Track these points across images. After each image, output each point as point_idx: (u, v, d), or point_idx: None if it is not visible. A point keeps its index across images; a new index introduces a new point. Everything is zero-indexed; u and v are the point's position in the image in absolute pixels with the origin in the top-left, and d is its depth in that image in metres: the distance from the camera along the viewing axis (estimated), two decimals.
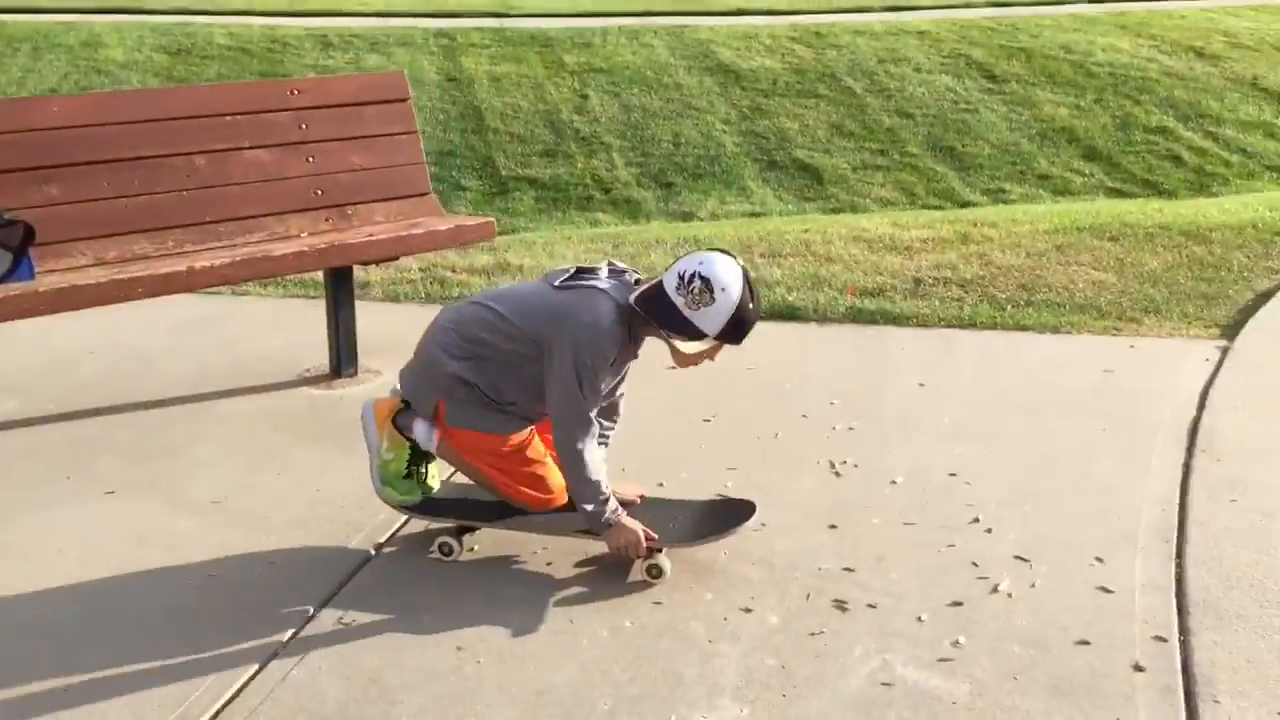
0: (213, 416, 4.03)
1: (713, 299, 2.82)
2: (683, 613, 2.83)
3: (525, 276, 5.56)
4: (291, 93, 4.17)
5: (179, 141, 3.91)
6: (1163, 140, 10.48)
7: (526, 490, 3.03)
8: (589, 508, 2.92)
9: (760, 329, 4.79)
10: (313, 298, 5.34)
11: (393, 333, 4.87)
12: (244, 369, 4.47)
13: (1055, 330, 4.71)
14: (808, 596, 2.88)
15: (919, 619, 2.77)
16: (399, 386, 3.13)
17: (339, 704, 2.50)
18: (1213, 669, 2.55)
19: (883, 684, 2.55)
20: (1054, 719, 2.42)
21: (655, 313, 2.87)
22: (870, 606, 2.83)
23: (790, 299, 5.11)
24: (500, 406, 2.97)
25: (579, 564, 3.05)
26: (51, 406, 4.13)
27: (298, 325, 4.97)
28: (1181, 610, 2.77)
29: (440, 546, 3.08)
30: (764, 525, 3.17)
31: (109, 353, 4.68)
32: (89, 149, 3.74)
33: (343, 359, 4.30)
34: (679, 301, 2.84)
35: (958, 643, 2.68)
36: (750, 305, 2.88)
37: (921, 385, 4.20)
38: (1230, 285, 5.14)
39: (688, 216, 9.50)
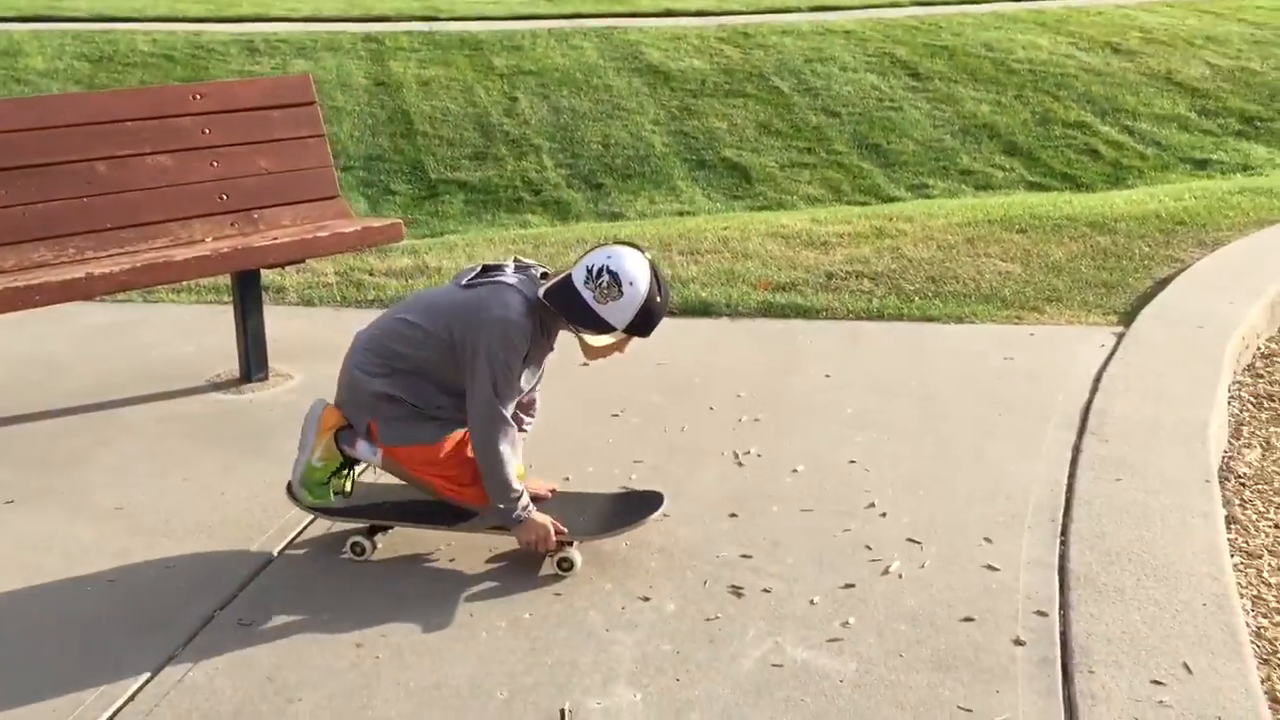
0: (118, 424, 4.01)
1: (620, 293, 2.85)
2: (582, 603, 2.87)
3: (443, 279, 5.57)
4: (194, 97, 4.15)
5: (78, 148, 3.88)
6: (1080, 135, 10.70)
7: (471, 489, 3.03)
8: (501, 505, 2.94)
9: (672, 325, 4.87)
10: (225, 303, 5.31)
11: (307, 337, 4.88)
12: (152, 375, 4.45)
13: (959, 320, 4.82)
14: (705, 583, 2.93)
15: (811, 601, 2.84)
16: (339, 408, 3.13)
17: (235, 704, 2.51)
18: (1089, 640, 2.64)
19: (773, 665, 2.61)
20: (937, 692, 2.50)
21: (563, 307, 2.90)
22: (765, 591, 2.89)
23: (704, 295, 5.17)
24: (430, 414, 2.98)
25: (484, 560, 3.08)
26: None
27: (210, 331, 4.95)
28: (1063, 586, 2.86)
29: (353, 546, 3.09)
30: (666, 515, 3.22)
31: (12, 363, 4.63)
32: None
33: (252, 364, 4.29)
34: (587, 295, 2.86)
35: (847, 623, 2.75)
36: (658, 298, 2.91)
37: (827, 376, 4.28)
38: (1131, 274, 5.28)
39: (617, 217, 9.55)
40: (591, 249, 2.95)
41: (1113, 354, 4.29)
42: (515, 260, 3.06)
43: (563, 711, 2.44)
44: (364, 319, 5.09)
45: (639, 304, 2.88)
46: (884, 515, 3.24)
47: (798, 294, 5.18)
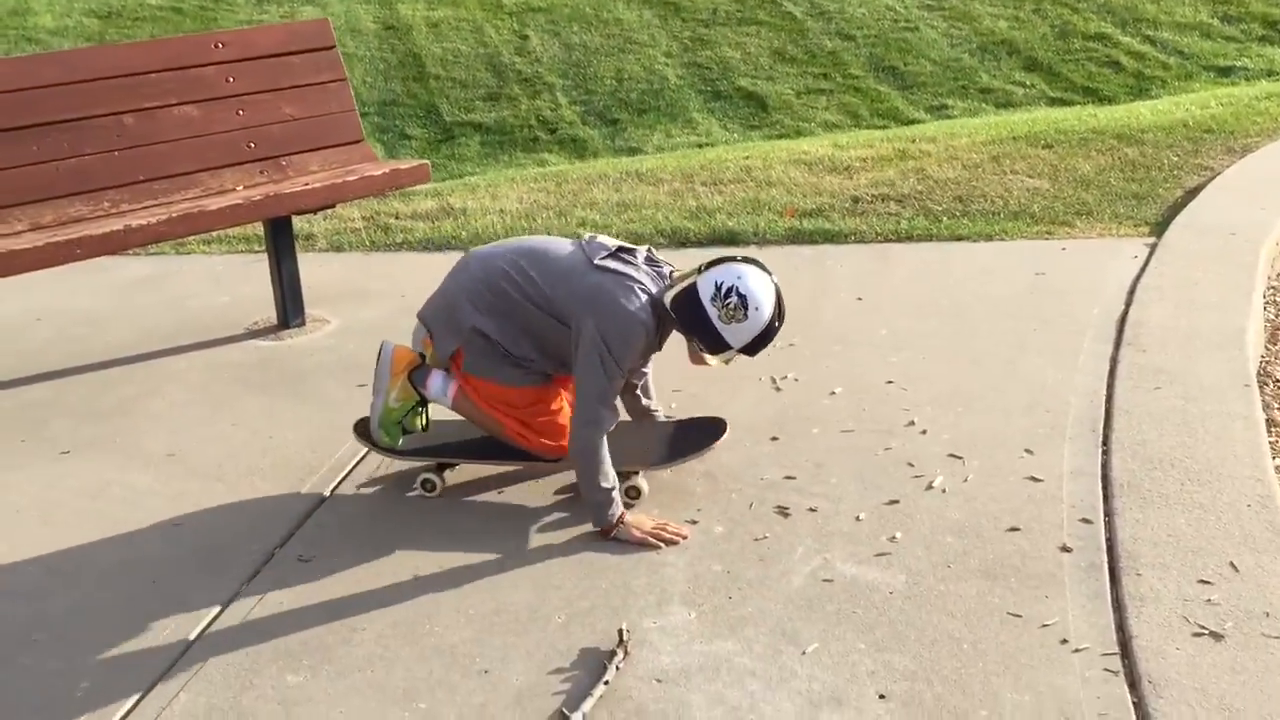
0: (164, 374, 4.07)
1: (746, 316, 2.79)
2: None
3: (468, 220, 5.59)
4: (215, 46, 4.15)
5: (104, 102, 3.90)
6: (1101, 47, 10.55)
7: (544, 440, 3.03)
8: (594, 509, 2.88)
9: (702, 254, 4.88)
10: (257, 252, 5.35)
11: (339, 282, 4.91)
12: (192, 326, 4.50)
13: (989, 238, 4.81)
14: (750, 505, 2.98)
15: (857, 518, 2.88)
16: (420, 321, 3.10)
17: (301, 637, 2.58)
18: (1135, 545, 2.67)
19: (824, 580, 2.66)
20: (986, 600, 2.54)
21: (686, 320, 2.83)
22: (811, 510, 2.94)
23: (731, 224, 5.17)
24: (517, 361, 2.98)
25: (534, 493, 3.14)
26: (0, 375, 4.15)
27: (244, 280, 4.99)
28: (1107, 494, 2.89)
29: (423, 483, 3.14)
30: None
31: (55, 318, 4.69)
32: (12, 114, 3.73)
33: (289, 310, 4.33)
34: (712, 312, 2.80)
35: (894, 538, 2.79)
36: (776, 324, 2.85)
37: (859, 299, 4.30)
38: (1160, 184, 5.24)
39: (634, 152, 9.51)
40: (719, 261, 2.85)
41: (1146, 265, 4.29)
42: (648, 251, 2.99)
43: (620, 631, 2.50)
44: (394, 261, 5.14)
45: (760, 329, 2.82)
46: (924, 432, 3.27)
47: (824, 219, 5.17)
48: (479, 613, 2.64)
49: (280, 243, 4.29)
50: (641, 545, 2.85)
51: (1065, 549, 2.69)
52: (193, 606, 2.71)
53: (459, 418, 3.28)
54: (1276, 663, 2.26)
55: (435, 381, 3.08)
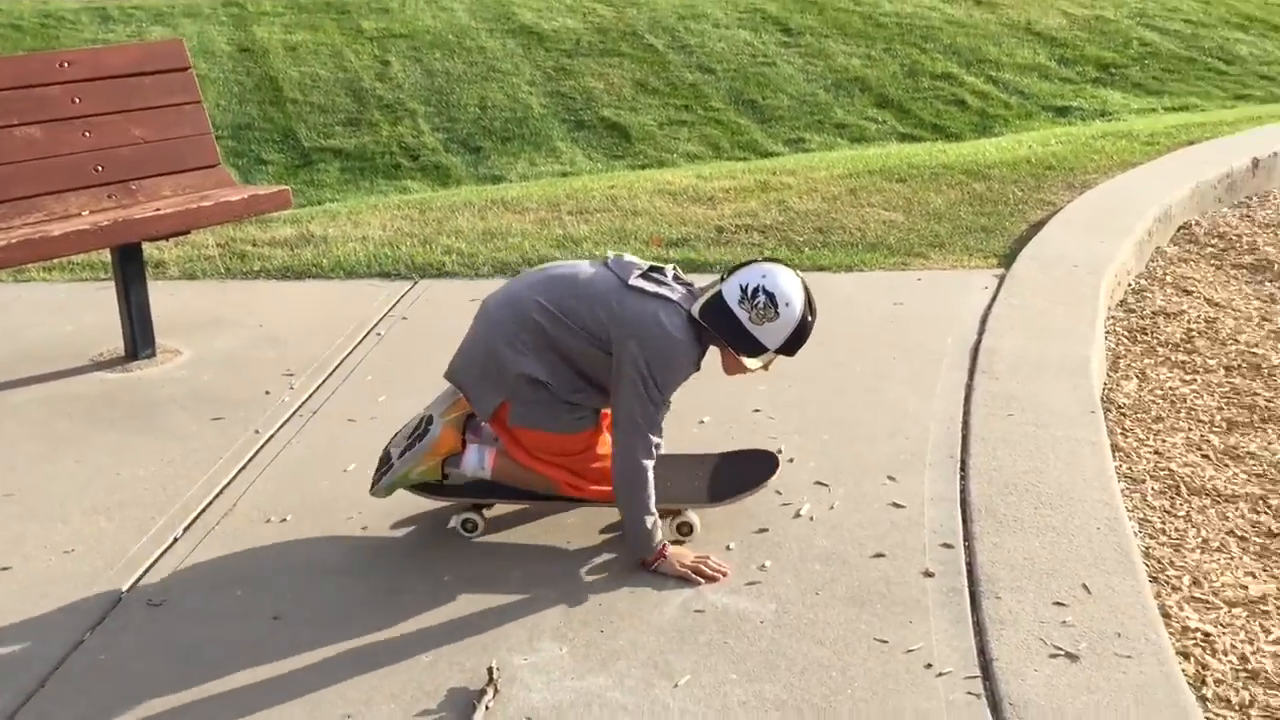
0: (1, 408, 3.84)
1: (777, 314, 2.75)
2: (503, 562, 2.88)
3: (329, 247, 5.46)
4: (61, 65, 3.97)
5: None
6: (948, 86, 10.97)
7: (594, 488, 2.92)
8: (636, 544, 2.79)
9: None
10: (101, 279, 5.12)
11: (192, 310, 4.74)
12: (32, 356, 4.27)
13: (849, 269, 4.93)
14: (623, 536, 2.96)
15: (727, 548, 2.90)
16: (452, 382, 2.93)
17: (152, 685, 2.46)
18: (994, 568, 2.75)
19: (695, 611, 2.66)
20: (854, 626, 2.58)
21: (720, 327, 2.77)
22: (679, 541, 2.94)
23: (598, 253, 5.18)
24: (570, 403, 2.84)
25: (396, 525, 3.06)
26: None
27: (88, 308, 4.77)
28: (966, 518, 2.97)
29: (464, 524, 2.99)
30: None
31: None
32: None
33: (138, 340, 4.15)
34: (742, 316, 2.75)
35: (764, 566, 2.82)
36: (809, 318, 2.80)
37: None
38: (1007, 218, 5.46)
39: (498, 180, 9.46)
40: (741, 266, 2.81)
41: (996, 295, 4.45)
42: (674, 270, 2.90)
43: (490, 669, 2.45)
44: (251, 290, 4.98)
45: (794, 324, 2.77)
46: (791, 460, 3.32)
47: (690, 249, 5.22)
48: (341, 654, 2.55)
49: (129, 270, 4.11)
50: (682, 579, 2.77)
51: (928, 574, 2.76)
52: (33, 655, 2.55)
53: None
54: (1128, 682, 2.35)
55: (470, 460, 2.92)
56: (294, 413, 3.75)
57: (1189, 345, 4.32)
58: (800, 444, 3.41)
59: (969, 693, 2.35)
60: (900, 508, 3.04)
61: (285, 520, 3.10)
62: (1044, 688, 2.34)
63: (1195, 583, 2.88)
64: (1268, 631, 2.71)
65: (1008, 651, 2.45)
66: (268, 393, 3.89)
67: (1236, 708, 2.46)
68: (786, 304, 2.75)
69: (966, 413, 3.52)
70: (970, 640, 2.52)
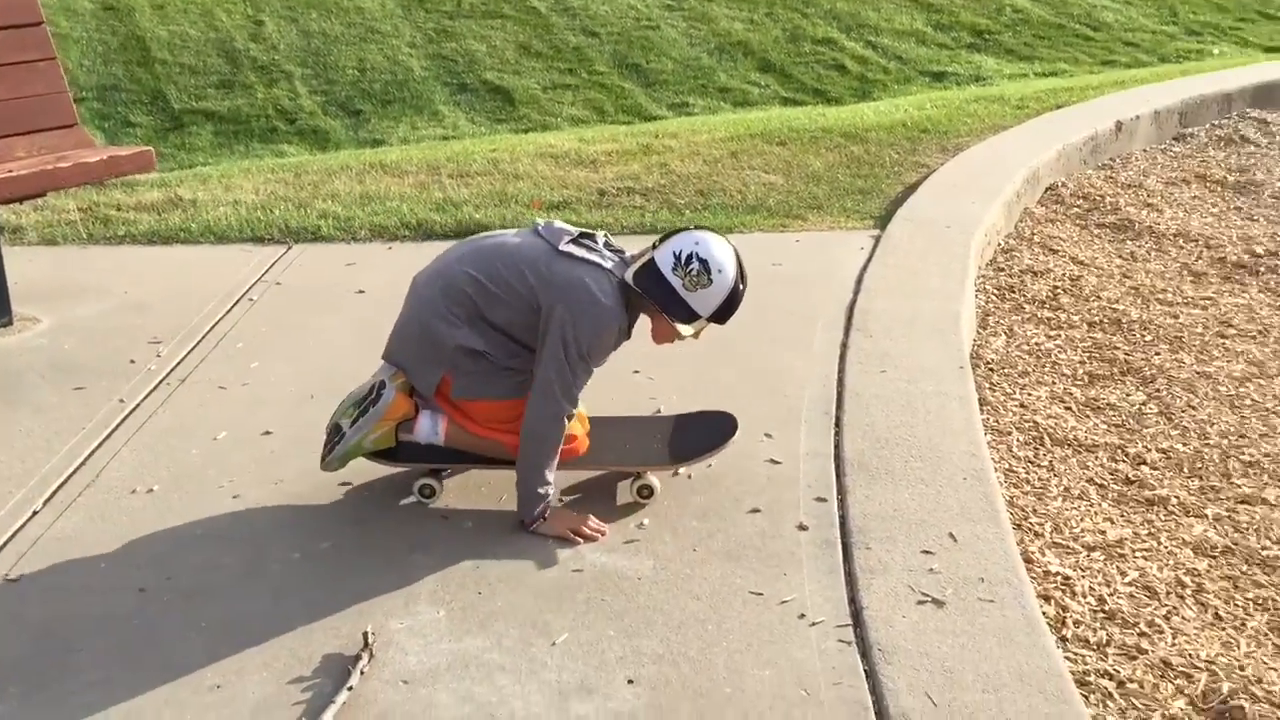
0: None
1: (710, 281, 2.76)
2: (378, 527, 2.84)
3: (199, 211, 5.29)
4: None
5: None
6: (828, 51, 11.09)
7: None
8: (527, 499, 2.78)
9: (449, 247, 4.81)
10: None
11: (52, 277, 4.55)
12: None
13: (730, 230, 4.96)
14: (501, 498, 2.95)
15: (607, 507, 2.90)
16: (390, 363, 2.90)
17: (9, 664, 2.37)
18: (865, 520, 2.81)
19: (574, 571, 2.66)
20: (729, 581, 2.62)
21: (654, 294, 2.77)
22: (562, 500, 2.94)
23: (478, 217, 5.12)
24: (510, 370, 2.82)
25: (270, 493, 2.99)
26: None
27: None
28: (840, 473, 3.03)
29: (421, 489, 2.94)
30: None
31: None
32: None
33: None
34: (676, 283, 2.75)
35: (642, 524, 2.83)
36: (741, 286, 2.82)
37: None
38: (883, 180, 5.56)
39: (378, 144, 9.27)
40: (673, 233, 2.81)
41: (871, 256, 4.53)
42: (605, 237, 2.89)
43: (365, 634, 2.42)
44: (116, 255, 4.80)
45: (727, 291, 2.78)
46: None
47: (571, 212, 5.20)
48: (211, 624, 2.49)
49: None
50: (562, 540, 2.77)
51: (802, 527, 2.81)
52: None
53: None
54: (990, 624, 2.43)
55: (423, 425, 2.89)
56: (161, 381, 3.64)
57: (1054, 302, 4.46)
58: (679, 404, 3.43)
59: (840, 640, 2.41)
60: (776, 464, 3.08)
61: (152, 491, 3.01)
62: (911, 633, 2.41)
63: (1056, 529, 2.99)
64: (1124, 574, 2.83)
65: (877, 600, 2.52)
66: (133, 361, 3.77)
67: (1094, 647, 2.57)
68: (719, 271, 2.77)
69: (842, 370, 3.58)
70: (842, 590, 2.57)
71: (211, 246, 4.90)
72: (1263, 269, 4.92)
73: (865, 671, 2.32)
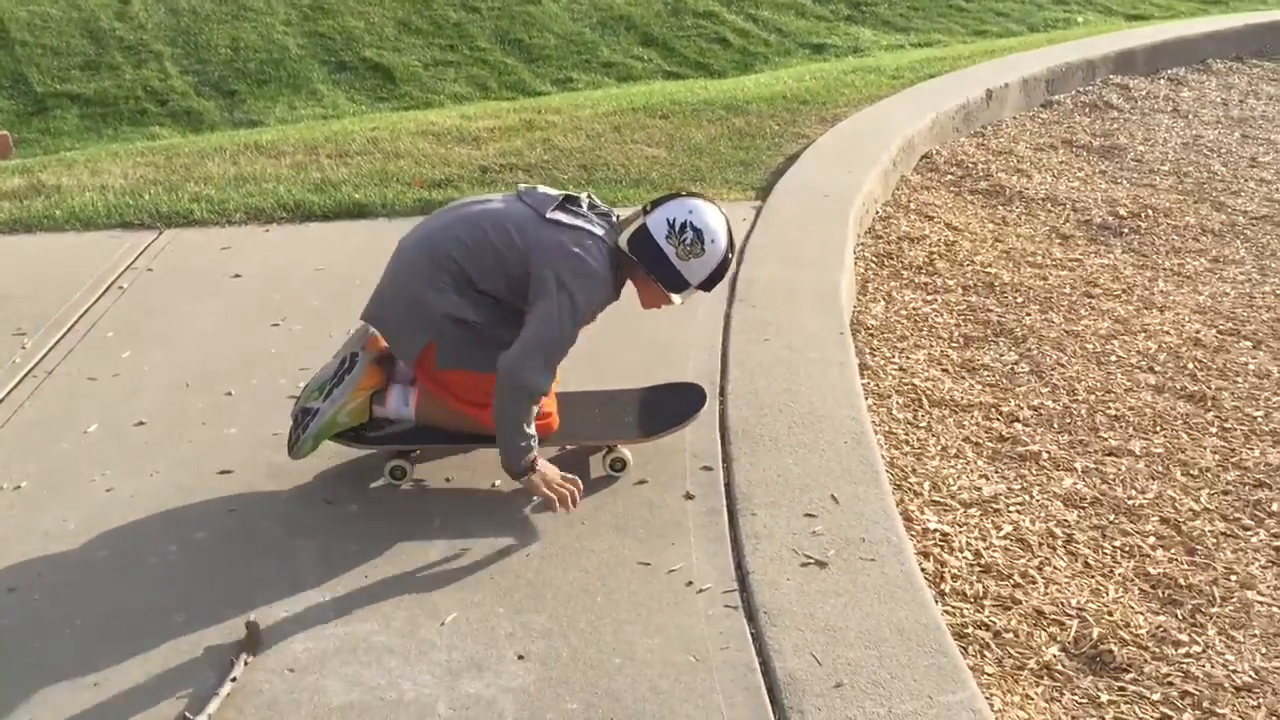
0: None
1: (704, 250, 2.73)
2: (258, 514, 2.79)
3: (64, 197, 5.09)
4: None
5: None
6: (710, 24, 11.14)
7: None
8: (516, 445, 2.69)
9: (327, 229, 4.72)
10: None
11: None
12: None
13: (613, 205, 4.96)
14: (384, 482, 2.92)
15: (493, 485, 2.90)
16: (372, 328, 2.83)
17: None
18: (750, 487, 2.86)
19: (462, 549, 2.65)
20: (617, 552, 2.63)
21: (647, 261, 2.74)
22: (447, 480, 2.92)
23: (358, 197, 5.03)
24: (496, 340, 2.74)
25: (145, 485, 2.91)
26: None
27: None
28: (725, 441, 3.07)
29: (392, 471, 2.88)
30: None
31: None
32: None
33: None
34: (669, 250, 2.72)
35: (531, 500, 2.83)
36: (730, 255, 2.80)
37: None
38: (764, 151, 5.61)
39: (255, 125, 9.03)
40: (665, 199, 2.77)
41: (754, 226, 4.58)
42: (589, 197, 2.84)
43: (248, 623, 2.38)
44: None
45: (719, 260, 2.76)
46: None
47: (454, 189, 5.14)
48: (87, 621, 2.42)
49: None
50: (543, 499, 2.71)
51: (689, 496, 2.84)
52: None
53: None
54: (871, 583, 2.50)
55: (394, 399, 2.84)
56: (27, 374, 3.51)
57: (930, 268, 4.57)
58: (565, 379, 3.43)
59: (727, 605, 2.44)
60: None
61: (19, 488, 2.90)
62: (795, 595, 2.46)
63: (935, 487, 3.08)
64: (999, 528, 2.92)
65: (762, 564, 2.56)
66: None
67: (971, 599, 2.65)
68: (712, 240, 2.77)
69: (726, 340, 3.62)
70: (728, 557, 2.61)
71: (78, 234, 4.73)
72: (1126, 230, 5.11)
73: (752, 635, 2.36)
